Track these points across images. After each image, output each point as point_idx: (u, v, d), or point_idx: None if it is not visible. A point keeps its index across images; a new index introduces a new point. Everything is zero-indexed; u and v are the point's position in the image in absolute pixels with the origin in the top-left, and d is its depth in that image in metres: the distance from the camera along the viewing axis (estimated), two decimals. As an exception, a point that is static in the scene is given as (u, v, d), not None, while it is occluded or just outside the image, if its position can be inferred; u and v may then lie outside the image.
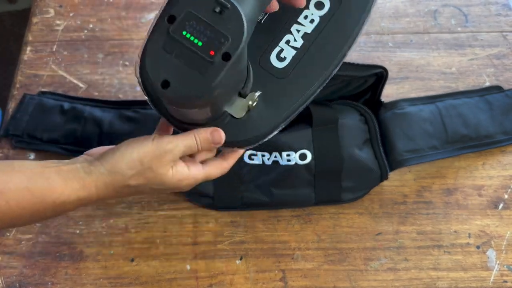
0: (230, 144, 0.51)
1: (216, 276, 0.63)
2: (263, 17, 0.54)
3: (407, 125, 0.69)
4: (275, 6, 0.51)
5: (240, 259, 0.64)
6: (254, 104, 0.50)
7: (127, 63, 0.80)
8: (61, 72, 0.79)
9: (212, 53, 0.44)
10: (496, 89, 0.76)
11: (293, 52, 0.53)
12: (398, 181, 0.70)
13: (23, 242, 0.65)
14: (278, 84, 0.52)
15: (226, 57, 0.44)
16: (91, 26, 0.85)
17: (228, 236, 0.66)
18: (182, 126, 0.51)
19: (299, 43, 0.53)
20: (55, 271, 0.63)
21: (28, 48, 0.82)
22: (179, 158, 0.51)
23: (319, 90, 0.53)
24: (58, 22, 0.85)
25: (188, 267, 0.63)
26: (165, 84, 0.44)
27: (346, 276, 0.63)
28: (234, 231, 0.66)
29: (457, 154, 0.71)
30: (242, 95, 0.50)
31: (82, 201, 0.50)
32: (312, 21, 0.54)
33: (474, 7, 0.86)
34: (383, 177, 0.67)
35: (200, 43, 0.44)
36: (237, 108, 0.50)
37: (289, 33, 0.53)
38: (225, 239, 0.65)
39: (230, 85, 0.47)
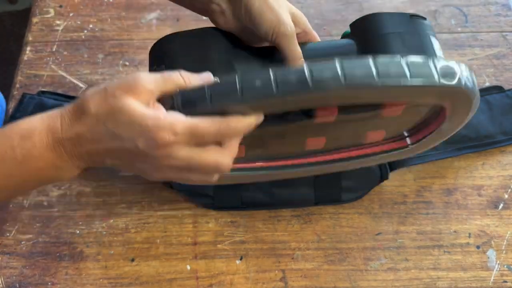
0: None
1: (216, 276, 0.63)
2: None
3: (407, 125, 0.69)
4: None
5: (240, 259, 0.64)
6: None
7: (127, 63, 0.80)
8: (61, 72, 0.79)
9: None
10: (496, 89, 0.76)
11: None
12: (398, 181, 0.70)
13: (23, 242, 0.65)
14: None
15: None
16: (91, 26, 0.85)
17: (228, 236, 0.66)
18: None
19: None
20: (55, 271, 0.63)
21: (28, 48, 0.82)
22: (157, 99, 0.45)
23: None
24: (58, 22, 0.85)
25: (188, 267, 0.63)
26: None
27: (346, 276, 0.63)
28: (234, 231, 0.66)
29: (457, 154, 0.71)
30: None
31: (50, 132, 0.46)
32: None
33: (474, 7, 0.86)
34: (383, 177, 0.67)
35: None
36: None
37: None
38: (225, 239, 0.65)
39: None
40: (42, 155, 0.46)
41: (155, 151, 0.44)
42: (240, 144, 0.48)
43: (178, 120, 0.44)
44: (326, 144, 0.56)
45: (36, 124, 0.47)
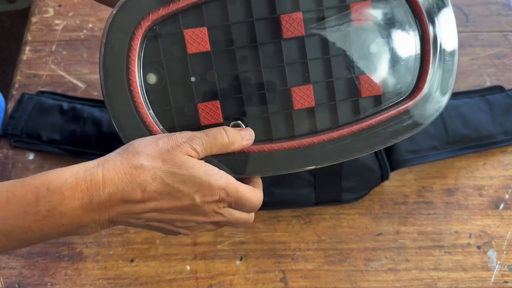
0: None
1: (216, 276, 0.63)
2: None
3: (407, 125, 0.69)
4: None
5: (240, 260, 0.64)
6: None
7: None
8: (60, 72, 0.79)
9: None
10: (497, 89, 0.75)
11: None
12: (398, 181, 0.69)
13: (22, 242, 0.65)
14: None
15: None
16: (90, 25, 0.84)
17: (228, 236, 0.65)
18: None
19: None
20: (54, 272, 0.63)
21: (27, 48, 0.82)
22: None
23: None
24: (57, 21, 0.85)
25: (188, 267, 0.63)
26: None
27: (346, 276, 0.63)
28: (234, 232, 0.66)
29: (458, 155, 0.70)
30: None
31: (85, 187, 0.42)
32: None
33: (474, 6, 0.86)
34: (384, 177, 0.67)
35: None
36: None
37: None
38: (225, 239, 0.65)
39: None
40: (68, 213, 0.42)
41: (207, 206, 0.46)
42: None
43: (232, 182, 0.46)
44: (317, 96, 0.50)
45: (67, 175, 0.42)
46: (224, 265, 0.63)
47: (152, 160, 0.43)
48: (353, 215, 0.67)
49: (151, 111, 0.49)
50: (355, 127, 0.50)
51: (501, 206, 0.68)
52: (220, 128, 0.47)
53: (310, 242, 0.65)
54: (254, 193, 0.48)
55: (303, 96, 0.50)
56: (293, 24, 0.48)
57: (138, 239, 0.65)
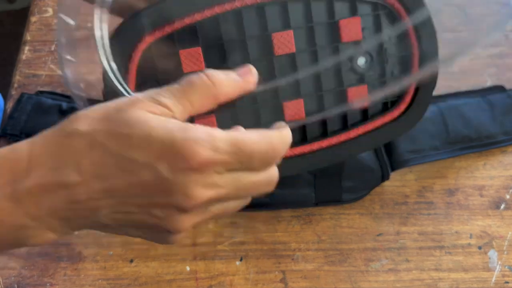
0: None
1: (216, 277, 0.62)
2: None
3: (408, 125, 0.69)
4: None
5: (240, 260, 0.64)
6: None
7: (126, 62, 0.80)
8: (59, 72, 0.79)
9: None
10: (498, 89, 0.75)
11: None
12: (399, 181, 0.69)
13: (22, 242, 0.64)
14: None
15: None
16: (89, 25, 0.84)
17: (228, 236, 0.65)
18: None
19: None
20: (53, 272, 0.63)
21: (27, 48, 0.81)
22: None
23: None
24: (57, 21, 0.84)
25: (188, 268, 0.63)
26: None
27: (346, 277, 0.63)
28: (234, 232, 0.66)
29: (458, 155, 0.70)
30: None
31: (7, 169, 0.31)
32: None
33: (475, 6, 0.86)
34: (385, 177, 0.67)
35: None
36: None
37: None
38: (225, 240, 0.65)
39: None
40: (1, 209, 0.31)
41: (186, 178, 0.30)
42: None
43: (219, 132, 0.31)
44: (306, 108, 0.52)
45: None
46: (224, 266, 0.63)
47: (92, 123, 0.31)
48: (353, 215, 0.67)
49: None
50: (343, 137, 0.53)
51: (502, 206, 0.68)
52: (198, 72, 0.36)
53: (310, 242, 0.65)
54: (259, 136, 0.33)
55: (294, 109, 0.52)
56: (284, 42, 0.50)
57: (138, 239, 0.65)
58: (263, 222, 0.66)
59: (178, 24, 0.48)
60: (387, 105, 0.54)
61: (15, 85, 0.77)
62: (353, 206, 0.68)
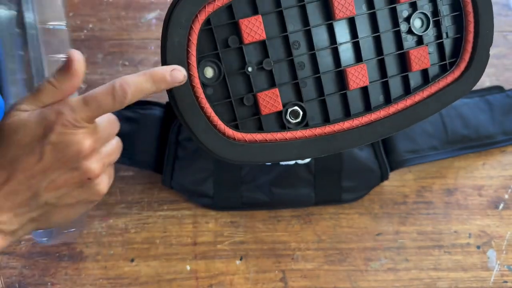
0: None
1: (216, 276, 0.63)
2: None
3: (407, 125, 0.69)
4: None
5: (240, 260, 0.64)
6: None
7: (126, 63, 0.80)
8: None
9: None
10: (497, 89, 0.75)
11: None
12: (398, 181, 0.69)
13: (23, 242, 0.65)
14: None
15: None
16: (90, 26, 0.84)
17: (228, 236, 0.66)
18: None
19: None
20: (54, 271, 0.63)
21: (28, 48, 0.82)
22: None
23: None
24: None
25: (188, 267, 0.63)
26: None
27: (346, 276, 0.63)
28: (234, 231, 0.66)
29: (458, 155, 0.70)
30: None
31: None
32: None
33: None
34: (384, 177, 0.67)
35: None
36: None
37: None
38: (225, 239, 0.65)
39: None
40: None
41: (68, 135, 0.40)
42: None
43: (71, 99, 0.41)
44: (369, 73, 0.51)
45: None
46: (224, 265, 0.63)
47: None
48: (353, 215, 0.67)
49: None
50: (408, 102, 0.52)
51: (501, 206, 0.68)
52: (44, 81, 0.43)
53: (310, 242, 0.65)
54: (102, 86, 0.41)
55: (358, 76, 0.50)
56: (344, 4, 0.49)
57: (138, 239, 0.65)
58: (263, 222, 0.67)
59: None
60: (446, 67, 0.53)
61: (16, 85, 0.78)
62: (353, 206, 0.68)
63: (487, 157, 0.72)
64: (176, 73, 0.43)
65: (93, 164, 0.42)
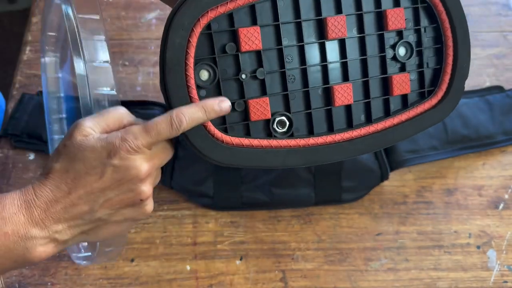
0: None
1: (216, 276, 0.63)
2: None
3: (407, 125, 0.69)
4: None
5: (240, 260, 0.64)
6: None
7: (126, 63, 0.80)
8: (60, 72, 0.79)
9: None
10: (497, 89, 0.76)
11: None
12: (398, 181, 0.70)
13: (23, 242, 0.65)
14: None
15: None
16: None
17: (228, 236, 0.66)
18: None
19: None
20: (54, 271, 0.63)
21: (28, 48, 0.82)
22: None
23: None
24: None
25: (188, 267, 0.63)
26: None
27: (346, 276, 0.63)
28: (234, 231, 0.66)
29: (458, 155, 0.71)
30: None
31: (23, 203, 0.44)
32: None
33: (474, 7, 0.86)
34: (384, 177, 0.67)
35: None
36: None
37: None
38: (225, 239, 0.65)
39: None
40: (12, 217, 0.43)
41: (130, 160, 0.44)
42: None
43: (133, 126, 0.45)
44: (354, 93, 0.54)
45: (7, 194, 0.45)
46: (224, 265, 0.63)
47: (58, 158, 0.45)
48: (353, 215, 0.67)
49: None
50: (387, 123, 0.54)
51: (501, 206, 0.68)
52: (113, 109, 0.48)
53: (310, 242, 0.65)
54: (161, 117, 0.46)
55: (344, 94, 0.53)
56: (337, 26, 0.51)
57: (138, 239, 0.65)
58: (263, 222, 0.67)
59: (240, 1, 0.49)
60: (424, 94, 0.56)
61: (16, 85, 0.78)
62: (353, 206, 0.68)
63: (487, 157, 0.72)
64: (224, 104, 0.47)
65: (147, 187, 0.46)
